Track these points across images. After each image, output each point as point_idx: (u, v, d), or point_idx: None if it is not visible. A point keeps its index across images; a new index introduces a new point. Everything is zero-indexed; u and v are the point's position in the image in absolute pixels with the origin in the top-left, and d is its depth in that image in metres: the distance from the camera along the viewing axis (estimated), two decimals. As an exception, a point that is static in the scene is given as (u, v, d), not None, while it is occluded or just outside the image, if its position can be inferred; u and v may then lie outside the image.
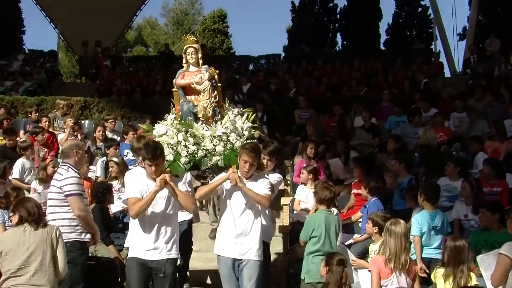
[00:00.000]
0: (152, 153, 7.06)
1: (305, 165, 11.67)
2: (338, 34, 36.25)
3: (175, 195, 7.12)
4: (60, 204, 7.53)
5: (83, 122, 17.07)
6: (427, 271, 8.26)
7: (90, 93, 21.82)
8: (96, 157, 13.26)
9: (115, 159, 11.79)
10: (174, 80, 8.47)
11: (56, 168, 9.50)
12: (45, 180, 10.78)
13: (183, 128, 7.85)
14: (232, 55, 42.57)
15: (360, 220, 10.64)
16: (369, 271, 7.39)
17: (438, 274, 7.35)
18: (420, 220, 8.87)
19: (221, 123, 7.96)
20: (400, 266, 7.22)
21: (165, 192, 7.15)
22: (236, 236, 7.33)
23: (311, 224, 8.35)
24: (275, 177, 8.35)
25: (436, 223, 8.95)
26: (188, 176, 8.38)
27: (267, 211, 8.10)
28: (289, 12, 38.04)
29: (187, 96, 8.30)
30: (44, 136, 13.79)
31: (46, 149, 13.50)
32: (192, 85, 8.18)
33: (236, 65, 29.84)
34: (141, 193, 7.10)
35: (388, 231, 7.33)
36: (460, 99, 15.90)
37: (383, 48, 34.53)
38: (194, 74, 8.21)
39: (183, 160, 7.71)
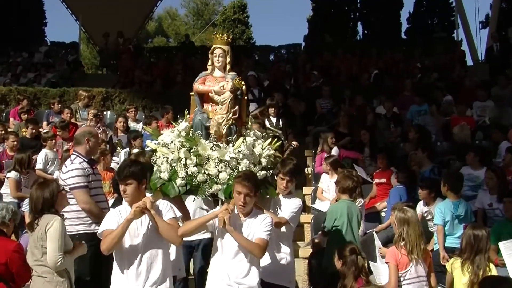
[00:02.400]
0: (121, 169, 6.23)
1: (326, 156, 11.65)
2: (359, 23, 36.05)
3: (156, 225, 5.99)
4: (67, 196, 7.34)
5: (104, 113, 17.10)
6: (449, 260, 8.21)
7: (112, 84, 21.88)
8: (117, 148, 13.30)
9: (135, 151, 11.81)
10: (193, 84, 7.05)
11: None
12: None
13: (188, 144, 6.61)
14: (253, 45, 42.48)
15: (385, 209, 10.62)
16: (386, 263, 7.19)
17: (455, 265, 7.28)
18: (443, 209, 8.82)
19: (233, 145, 6.64)
20: (420, 254, 7.08)
21: (145, 221, 6.08)
22: (228, 284, 6.10)
23: (334, 213, 8.33)
24: (292, 204, 7.08)
25: (459, 212, 8.91)
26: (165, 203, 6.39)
27: (286, 245, 7.16)
28: (309, 2, 37.86)
29: (204, 105, 6.98)
30: (68, 132, 13.88)
31: (70, 143, 13.56)
32: (210, 94, 6.88)
33: (257, 55, 29.78)
34: (118, 225, 5.99)
35: (404, 221, 7.13)
36: (482, 88, 15.74)
37: (404, 37, 34.29)
38: (217, 81, 6.90)
39: (179, 181, 6.45)
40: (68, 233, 6.83)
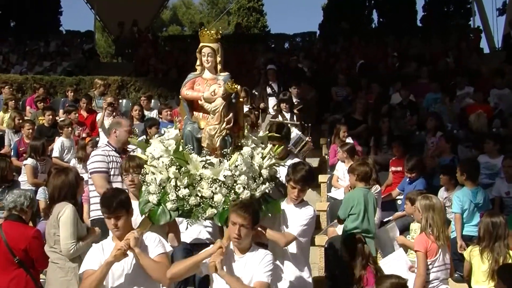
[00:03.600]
0: (107, 202, 5.54)
1: (341, 144, 11.62)
2: (374, 11, 35.84)
3: (142, 264, 5.40)
4: (90, 182, 7.67)
5: (120, 101, 17.15)
6: (466, 248, 8.18)
7: (127, 72, 21.92)
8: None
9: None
10: (181, 88, 6.23)
11: (94, 148, 9.63)
12: (84, 159, 10.89)
13: (177, 161, 5.76)
14: (267, 34, 42.36)
15: (400, 197, 10.61)
16: (416, 251, 7.10)
17: (474, 253, 7.25)
18: (461, 197, 8.79)
19: (228, 160, 5.78)
20: (445, 241, 7.05)
21: (131, 259, 5.48)
22: None
23: (350, 201, 8.32)
24: (303, 216, 6.35)
25: (478, 200, 8.89)
26: (152, 236, 5.70)
27: (302, 266, 6.53)
28: (324, -11, 37.76)
29: (194, 112, 6.10)
30: (78, 114, 13.95)
31: (81, 128, 13.60)
32: (200, 101, 6.00)
33: (272, 43, 29.70)
34: (101, 265, 5.43)
35: (429, 206, 7.07)
36: (499, 76, 15.62)
37: (420, 25, 34.04)
38: (208, 84, 6.06)
39: (169, 205, 5.66)
40: (90, 218, 6.99)
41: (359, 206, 8.16)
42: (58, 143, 12.35)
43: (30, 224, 7.80)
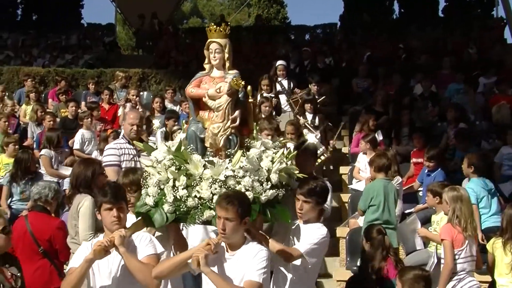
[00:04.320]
0: (113, 191, 5.25)
1: (364, 135, 11.60)
2: (395, 2, 35.61)
3: (127, 265, 4.99)
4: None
5: (141, 93, 17.23)
6: (484, 241, 8.16)
7: (147, 65, 22.00)
8: (153, 128, 13.40)
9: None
10: (186, 87, 5.90)
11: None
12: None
13: (176, 161, 5.39)
14: (288, 25, 42.25)
15: (421, 189, 10.59)
16: (442, 240, 7.08)
17: (497, 245, 7.18)
18: (475, 187, 8.76)
19: (231, 160, 5.34)
20: (473, 232, 7.04)
21: (118, 258, 5.10)
22: None
23: (370, 192, 8.37)
24: (314, 234, 5.55)
25: (490, 187, 8.96)
26: (144, 236, 5.34)
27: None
28: (344, -19, 37.50)
29: (200, 112, 5.73)
30: (100, 111, 14.05)
31: (102, 124, 13.68)
32: (204, 99, 5.63)
33: (292, 35, 29.63)
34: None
35: (457, 198, 7.08)
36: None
37: (442, 15, 33.76)
38: (215, 82, 5.66)
39: (166, 207, 5.22)
40: None
41: (379, 197, 8.20)
42: (79, 135, 12.45)
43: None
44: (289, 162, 5.62)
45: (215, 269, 4.83)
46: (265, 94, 12.68)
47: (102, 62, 22.83)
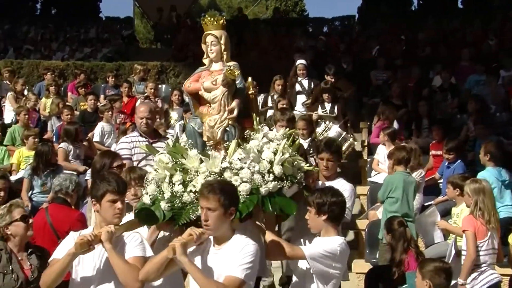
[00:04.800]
0: (119, 182, 4.90)
1: (384, 127, 11.54)
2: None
3: (111, 263, 4.64)
4: None
5: (160, 86, 17.26)
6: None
7: (166, 58, 22.03)
8: (171, 121, 13.42)
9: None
10: (184, 83, 5.85)
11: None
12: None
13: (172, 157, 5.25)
14: (306, 18, 42.14)
15: (440, 181, 10.55)
16: (464, 231, 7.06)
17: None
18: (488, 177, 8.69)
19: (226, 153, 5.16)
20: (496, 224, 7.03)
21: (102, 252, 4.75)
22: None
23: (389, 184, 8.37)
24: (327, 245, 5.05)
25: (504, 178, 8.90)
26: (135, 236, 4.95)
27: None
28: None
29: (200, 107, 5.61)
30: (122, 103, 14.07)
31: (122, 115, 13.71)
32: (200, 92, 5.49)
33: (310, 27, 29.55)
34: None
35: (479, 190, 7.08)
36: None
37: (461, 6, 33.53)
38: (213, 76, 5.48)
39: (163, 204, 5.02)
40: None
41: (398, 190, 8.20)
42: (99, 128, 12.47)
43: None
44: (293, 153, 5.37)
45: (199, 263, 4.58)
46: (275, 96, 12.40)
47: (120, 56, 22.94)
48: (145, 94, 14.97)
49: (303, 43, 19.90)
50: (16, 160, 11.19)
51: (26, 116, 12.74)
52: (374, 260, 8.51)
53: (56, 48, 24.23)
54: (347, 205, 5.48)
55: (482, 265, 6.99)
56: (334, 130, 10.20)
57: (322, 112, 11.70)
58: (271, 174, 5.03)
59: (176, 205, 4.98)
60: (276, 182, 5.02)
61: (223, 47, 5.60)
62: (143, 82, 16.26)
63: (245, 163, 5.01)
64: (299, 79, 12.93)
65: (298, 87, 12.86)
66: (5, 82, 16.52)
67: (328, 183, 5.75)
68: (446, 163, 10.40)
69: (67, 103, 14.66)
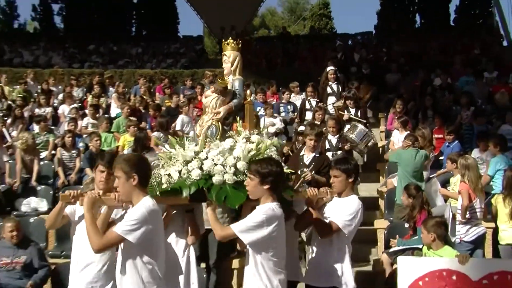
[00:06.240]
0: (109, 158, 4.49)
1: (398, 116, 11.41)
2: (417, 14, 34.96)
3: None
4: None
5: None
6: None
7: (228, 66, 22.08)
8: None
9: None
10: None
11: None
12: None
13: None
14: (334, 33, 41.76)
15: (441, 157, 10.46)
16: (460, 190, 7.30)
17: (498, 199, 7.41)
18: (500, 161, 8.66)
19: (196, 144, 4.88)
20: (479, 192, 7.26)
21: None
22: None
23: (398, 158, 8.59)
24: (350, 208, 4.65)
25: (510, 162, 8.74)
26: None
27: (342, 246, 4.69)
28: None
29: None
30: (198, 99, 14.12)
31: (197, 110, 13.78)
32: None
33: (338, 41, 29.30)
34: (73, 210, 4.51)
35: (465, 166, 7.27)
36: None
37: (453, 24, 33.01)
38: None
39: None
40: None
41: (409, 163, 8.30)
42: (180, 119, 12.55)
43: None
44: (273, 153, 4.87)
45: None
46: (311, 100, 12.18)
47: (194, 65, 23.10)
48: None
49: (334, 53, 19.73)
50: (122, 144, 11.30)
51: (128, 110, 12.87)
52: (391, 218, 8.46)
53: (147, 60, 24.59)
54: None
55: (473, 220, 7.27)
56: (359, 128, 9.97)
57: (349, 115, 11.16)
58: (231, 168, 4.60)
59: (154, 182, 4.61)
60: (232, 176, 4.58)
61: (229, 65, 5.47)
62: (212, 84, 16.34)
63: (209, 155, 4.67)
64: (330, 83, 12.41)
65: (329, 90, 12.40)
66: (110, 87, 16.76)
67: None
68: (447, 144, 10.38)
69: (156, 101, 14.87)
